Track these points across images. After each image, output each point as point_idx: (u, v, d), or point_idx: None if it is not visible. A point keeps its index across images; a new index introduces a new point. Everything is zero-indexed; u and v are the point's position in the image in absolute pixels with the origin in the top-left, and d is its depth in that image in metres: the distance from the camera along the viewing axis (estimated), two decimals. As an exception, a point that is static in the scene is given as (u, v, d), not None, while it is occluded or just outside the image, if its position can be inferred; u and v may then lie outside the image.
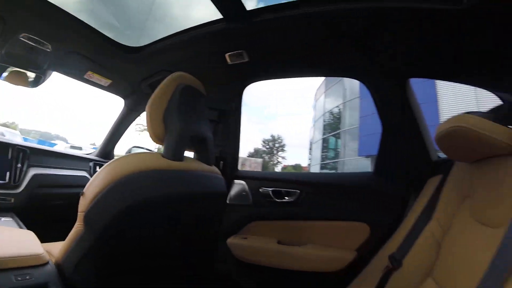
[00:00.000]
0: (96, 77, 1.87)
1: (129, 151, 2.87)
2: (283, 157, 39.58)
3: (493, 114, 0.87)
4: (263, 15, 1.26)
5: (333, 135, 24.00)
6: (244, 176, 1.71)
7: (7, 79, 1.65)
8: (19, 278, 0.84)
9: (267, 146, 38.91)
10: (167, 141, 0.98)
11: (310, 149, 29.92)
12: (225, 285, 1.60)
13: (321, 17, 1.20)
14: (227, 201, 1.63)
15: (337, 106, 22.38)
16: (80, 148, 9.43)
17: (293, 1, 1.19)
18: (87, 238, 0.87)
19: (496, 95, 1.28)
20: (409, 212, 1.30)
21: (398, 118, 1.46)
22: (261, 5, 1.25)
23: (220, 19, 1.32)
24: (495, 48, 1.06)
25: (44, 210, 1.81)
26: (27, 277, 0.86)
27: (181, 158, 1.01)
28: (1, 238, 1.02)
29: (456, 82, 1.39)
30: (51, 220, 1.52)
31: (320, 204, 1.57)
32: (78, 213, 0.89)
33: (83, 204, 0.87)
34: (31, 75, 1.71)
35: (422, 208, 1.19)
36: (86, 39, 1.55)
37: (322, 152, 25.76)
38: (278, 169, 40.71)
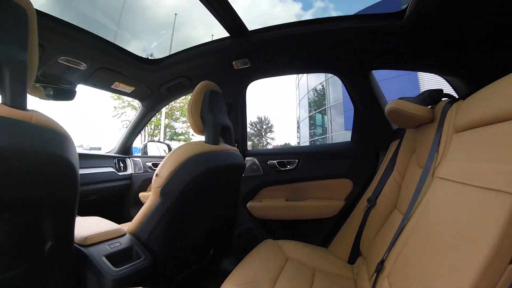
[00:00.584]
0: (121, 86, 2.23)
1: (145, 145, 3.27)
2: (272, 138, 40.08)
3: (417, 98, 1.34)
4: (260, 33, 1.72)
5: (319, 112, 24.30)
6: (253, 153, 2.16)
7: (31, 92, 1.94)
8: (112, 246, 1.25)
9: (255, 129, 39.25)
10: (207, 131, 1.45)
11: (298, 127, 30.39)
12: (247, 239, 2.08)
13: (303, 35, 1.67)
14: (243, 174, 2.09)
15: (320, 83, 22.59)
16: (99, 149, 9.63)
17: (281, 24, 1.67)
18: (163, 205, 1.30)
19: (443, 78, 1.75)
20: (379, 168, 1.81)
21: (365, 100, 1.94)
22: (259, 26, 1.71)
23: (227, 36, 1.77)
24: (434, 45, 1.52)
25: (81, 206, 2.12)
26: (117, 244, 1.27)
27: (217, 142, 1.49)
28: (84, 224, 1.37)
29: (410, 70, 1.86)
30: (89, 214, 1.73)
31: (314, 168, 2.03)
32: (153, 189, 1.33)
33: (159, 181, 1.30)
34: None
35: (387, 163, 1.68)
36: (114, 56, 1.90)
37: (310, 129, 26.13)
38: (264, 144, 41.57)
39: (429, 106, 1.29)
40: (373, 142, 1.97)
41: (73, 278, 1.07)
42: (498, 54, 1.38)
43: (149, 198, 1.36)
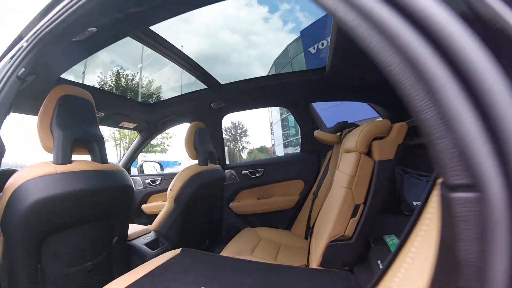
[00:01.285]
0: (126, 124, 2.96)
1: (141, 165, 3.90)
2: (247, 142, 40.83)
3: (333, 127, 2.17)
4: (230, 85, 2.51)
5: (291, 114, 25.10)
6: (231, 166, 2.91)
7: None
8: (146, 238, 1.95)
9: (230, 134, 39.81)
10: (199, 157, 2.22)
11: (271, 130, 31.21)
12: (232, 230, 2.80)
13: (263, 86, 2.48)
14: (225, 183, 2.83)
15: None
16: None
17: (246, 79, 2.47)
18: (177, 209, 2.02)
19: (371, 107, 2.58)
20: (320, 170, 2.62)
21: (307, 124, 2.77)
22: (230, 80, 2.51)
23: (206, 88, 2.55)
24: (350, 86, 2.35)
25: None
26: (148, 238, 1.98)
27: (207, 164, 2.25)
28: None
29: (338, 101, 2.72)
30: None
31: (275, 174, 2.82)
32: (168, 198, 2.04)
33: (173, 193, 2.02)
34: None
35: (324, 167, 2.49)
36: (123, 104, 2.62)
37: (283, 131, 26.95)
38: (244, 153, 42.14)
39: (338, 133, 2.12)
40: (316, 152, 2.77)
41: (126, 260, 1.77)
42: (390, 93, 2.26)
43: (165, 205, 2.08)
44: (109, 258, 1.52)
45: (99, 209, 1.36)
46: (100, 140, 1.42)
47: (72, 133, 1.25)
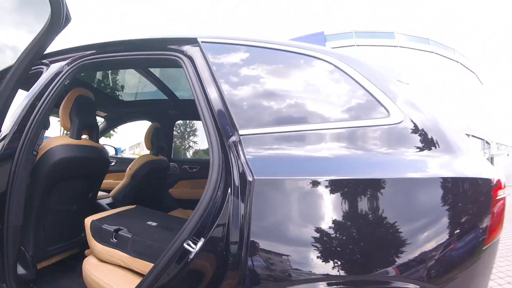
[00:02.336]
0: (100, 112, 3.69)
1: None
2: (194, 142, 41.29)
3: None
4: (186, 100, 3.42)
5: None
6: (175, 160, 3.75)
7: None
8: (105, 201, 2.75)
9: (178, 131, 39.99)
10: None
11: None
12: (170, 209, 3.62)
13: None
14: (168, 172, 3.66)
15: None
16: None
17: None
18: (131, 184, 2.78)
19: None
20: None
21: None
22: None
23: (167, 98, 3.43)
24: None
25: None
26: (108, 200, 2.71)
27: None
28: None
29: None
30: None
31: (206, 171, 3.76)
32: (127, 174, 2.84)
33: (130, 171, 2.79)
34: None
35: None
36: (105, 97, 3.37)
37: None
38: (189, 152, 42.60)
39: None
40: None
41: (95, 211, 2.49)
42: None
43: (124, 179, 2.88)
44: (85, 205, 2.28)
45: (89, 170, 2.17)
46: (96, 127, 2.15)
47: (83, 121, 1.93)
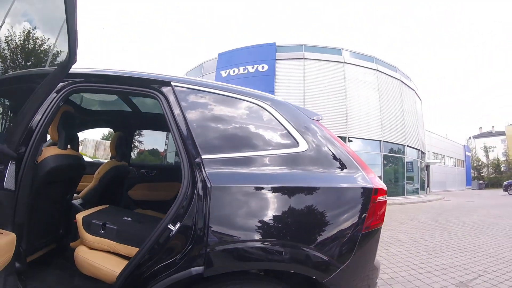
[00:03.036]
0: None
1: None
2: (140, 142, 40.75)
3: None
4: (147, 113, 3.96)
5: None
6: (134, 165, 4.30)
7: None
8: (76, 201, 3.26)
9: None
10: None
11: (167, 137, 32.03)
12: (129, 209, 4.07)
13: None
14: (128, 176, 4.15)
15: None
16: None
17: (156, 113, 3.96)
18: (99, 186, 3.29)
19: None
20: None
21: None
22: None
23: (130, 111, 3.95)
24: None
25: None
26: (79, 201, 3.24)
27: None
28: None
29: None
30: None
31: (163, 176, 4.34)
32: (95, 178, 3.34)
33: (99, 175, 3.32)
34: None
35: None
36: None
37: (182, 141, 28.09)
38: (134, 152, 42.45)
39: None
40: None
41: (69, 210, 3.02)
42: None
43: (92, 182, 3.37)
44: (64, 205, 2.73)
45: (71, 175, 2.68)
46: (77, 137, 2.73)
47: (69, 133, 2.42)
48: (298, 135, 1.74)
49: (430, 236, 6.91)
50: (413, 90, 24.51)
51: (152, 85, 1.89)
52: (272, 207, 1.54)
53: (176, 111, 1.77)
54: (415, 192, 22.54)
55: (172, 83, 1.84)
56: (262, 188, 1.55)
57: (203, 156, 1.61)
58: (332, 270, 1.52)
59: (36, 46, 2.47)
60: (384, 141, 19.87)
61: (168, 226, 1.55)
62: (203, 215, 1.49)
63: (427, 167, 28.80)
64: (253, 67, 20.27)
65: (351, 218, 1.59)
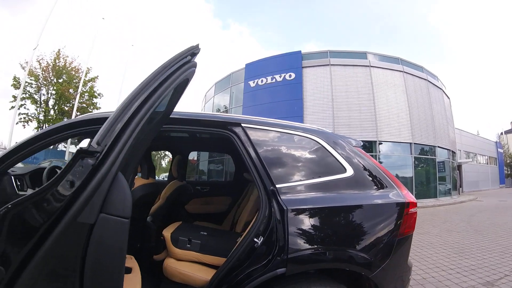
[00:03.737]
0: None
1: None
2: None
3: None
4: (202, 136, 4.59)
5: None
6: (190, 182, 4.87)
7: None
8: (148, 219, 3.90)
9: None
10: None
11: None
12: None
13: (212, 136, 4.61)
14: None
15: (225, 108, 25.30)
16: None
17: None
18: (164, 204, 3.70)
19: None
20: (243, 192, 4.67)
21: (241, 167, 4.95)
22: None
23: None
24: None
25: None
26: (149, 218, 3.90)
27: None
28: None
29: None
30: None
31: (215, 190, 4.87)
32: (162, 197, 3.83)
33: (165, 194, 3.89)
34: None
35: (246, 191, 4.54)
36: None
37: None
38: (164, 161, 44.66)
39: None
40: (241, 180, 4.75)
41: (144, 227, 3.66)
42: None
43: (159, 201, 3.85)
44: (142, 222, 3.12)
45: (151, 199, 3.14)
46: (153, 167, 3.32)
47: (149, 165, 3.05)
48: (345, 162, 2.16)
49: (461, 238, 7.19)
50: (440, 89, 24.02)
51: (228, 127, 2.25)
52: (332, 221, 2.02)
53: (249, 148, 2.15)
54: (447, 193, 22.10)
55: (242, 124, 2.23)
56: (324, 208, 2.01)
57: (277, 185, 2.02)
58: (376, 268, 1.94)
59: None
60: (414, 143, 19.70)
61: (254, 239, 1.95)
62: (283, 231, 1.89)
63: (459, 166, 28.21)
64: (280, 76, 20.69)
65: (389, 227, 2.03)
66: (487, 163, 43.15)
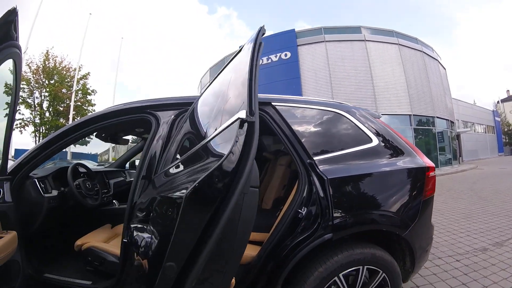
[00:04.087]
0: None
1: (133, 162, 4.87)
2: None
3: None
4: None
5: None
6: None
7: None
8: None
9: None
10: None
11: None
12: None
13: None
14: None
15: None
16: (102, 165, 10.79)
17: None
18: None
19: None
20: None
21: None
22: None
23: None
24: None
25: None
26: None
27: None
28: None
29: None
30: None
31: None
32: None
33: None
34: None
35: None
36: None
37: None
38: None
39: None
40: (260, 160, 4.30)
41: None
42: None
43: None
44: None
45: None
46: None
47: None
48: (370, 133, 2.28)
49: (467, 204, 7.36)
50: (436, 60, 23.98)
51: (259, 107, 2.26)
52: (367, 187, 2.13)
53: (283, 125, 2.21)
54: (448, 163, 22.31)
55: (273, 103, 2.28)
56: (360, 175, 2.13)
57: (314, 157, 2.11)
58: (407, 227, 2.10)
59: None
60: (413, 115, 19.83)
61: (298, 210, 2.02)
62: (326, 199, 2.00)
63: (458, 136, 28.35)
64: (276, 56, 20.52)
65: (415, 190, 2.20)
66: (485, 132, 43.57)
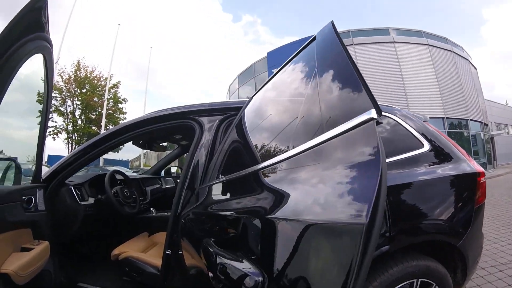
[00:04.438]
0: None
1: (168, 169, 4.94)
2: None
3: None
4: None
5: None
6: None
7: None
8: None
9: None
10: None
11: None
12: None
13: None
14: None
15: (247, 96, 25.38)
16: (136, 171, 11.08)
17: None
18: None
19: None
20: None
21: None
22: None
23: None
24: None
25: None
26: None
27: None
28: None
29: None
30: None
31: None
32: None
33: None
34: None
35: None
36: None
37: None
38: None
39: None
40: None
41: None
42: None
43: None
44: None
45: None
46: None
47: None
48: (421, 137, 2.14)
49: (505, 211, 7.21)
50: (467, 59, 23.16)
51: None
52: (422, 195, 1.98)
53: None
54: (483, 167, 21.58)
55: None
56: (414, 183, 1.97)
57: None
58: (461, 236, 1.96)
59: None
60: (446, 118, 19.21)
61: None
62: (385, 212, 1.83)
63: (492, 139, 27.40)
64: (304, 62, 20.18)
65: (468, 197, 2.06)
66: (520, 134, 41.51)
